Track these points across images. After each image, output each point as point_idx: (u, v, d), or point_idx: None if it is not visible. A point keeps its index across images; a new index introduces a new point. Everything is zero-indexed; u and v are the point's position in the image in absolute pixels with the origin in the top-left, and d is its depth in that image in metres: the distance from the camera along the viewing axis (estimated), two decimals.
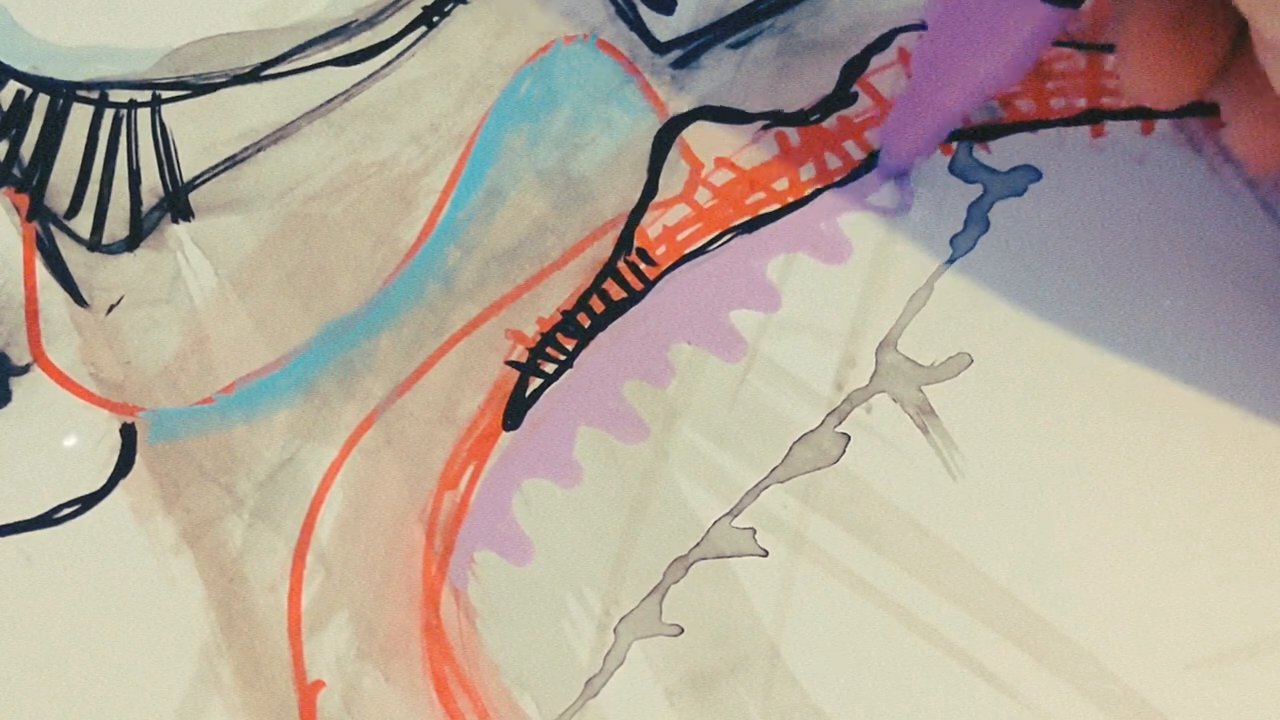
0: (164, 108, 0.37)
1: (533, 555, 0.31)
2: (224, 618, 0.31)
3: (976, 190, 0.33)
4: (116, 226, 0.36)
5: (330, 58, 0.37)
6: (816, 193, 0.33)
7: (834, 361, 0.32)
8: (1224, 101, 0.29)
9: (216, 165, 0.36)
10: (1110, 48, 0.33)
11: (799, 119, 0.34)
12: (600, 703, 0.30)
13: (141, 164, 0.36)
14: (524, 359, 0.33)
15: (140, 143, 0.36)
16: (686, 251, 0.33)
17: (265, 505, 0.32)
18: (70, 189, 0.36)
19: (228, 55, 0.37)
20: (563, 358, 0.33)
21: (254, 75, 0.37)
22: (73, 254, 0.35)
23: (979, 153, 0.33)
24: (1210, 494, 0.29)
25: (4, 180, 0.36)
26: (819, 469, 0.31)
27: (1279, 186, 0.31)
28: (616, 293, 0.33)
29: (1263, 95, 0.28)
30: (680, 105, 0.35)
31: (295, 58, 0.37)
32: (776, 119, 0.34)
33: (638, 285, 0.33)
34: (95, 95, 0.37)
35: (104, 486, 0.33)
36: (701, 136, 0.34)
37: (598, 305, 0.33)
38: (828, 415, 0.31)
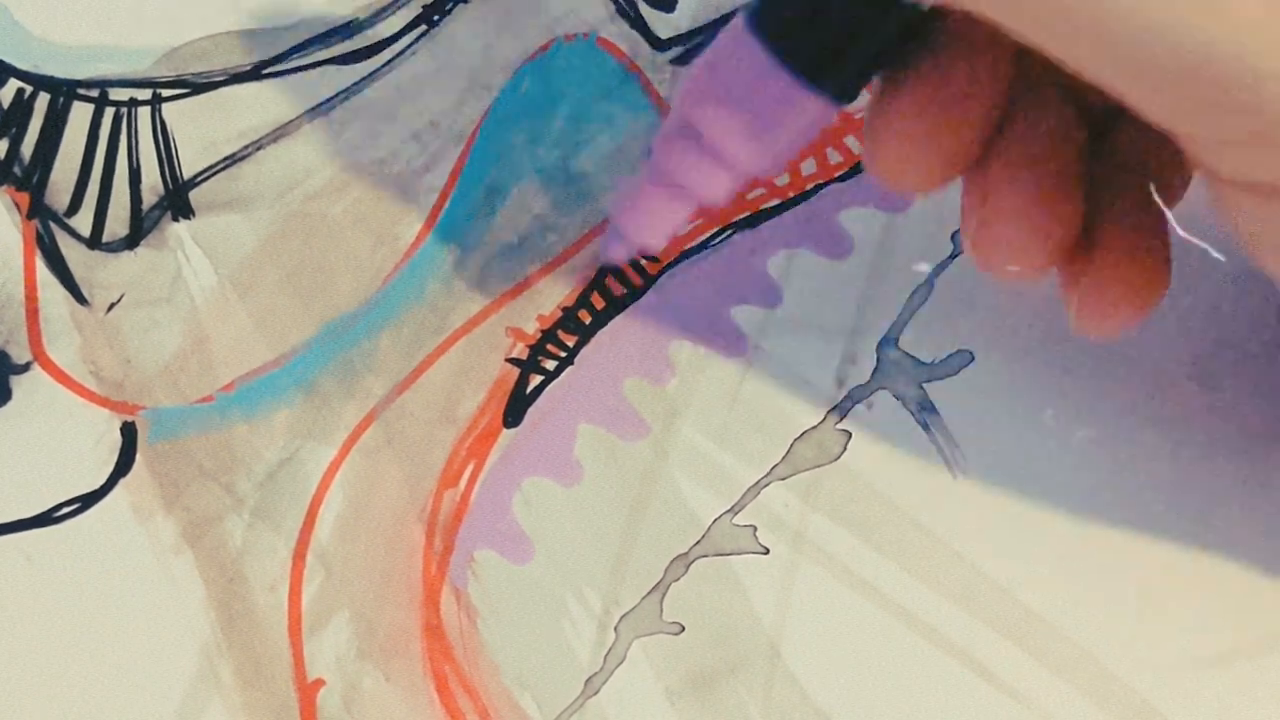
0: (164, 106, 0.37)
1: (533, 554, 0.31)
2: (224, 617, 0.31)
3: None
4: (117, 225, 0.36)
5: (330, 56, 0.37)
6: (818, 188, 0.33)
7: (835, 358, 0.32)
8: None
9: (216, 164, 0.36)
10: None
11: None
12: (601, 701, 0.30)
13: (142, 162, 0.36)
14: (525, 356, 0.33)
15: (140, 141, 0.36)
16: (688, 247, 0.33)
17: (265, 504, 0.32)
18: (70, 187, 0.36)
19: (228, 54, 0.37)
20: (564, 354, 0.33)
21: (254, 74, 0.37)
22: (73, 252, 0.35)
23: None
24: (1210, 493, 0.29)
25: (4, 178, 0.36)
26: (820, 466, 0.31)
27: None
28: (617, 289, 0.33)
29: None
30: None
31: (295, 56, 0.37)
32: None
33: (639, 281, 0.33)
34: (95, 93, 0.37)
35: (104, 485, 0.33)
36: None
37: (599, 301, 0.33)
38: (829, 412, 0.31)
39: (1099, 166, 0.27)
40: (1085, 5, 0.21)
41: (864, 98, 0.26)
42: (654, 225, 0.28)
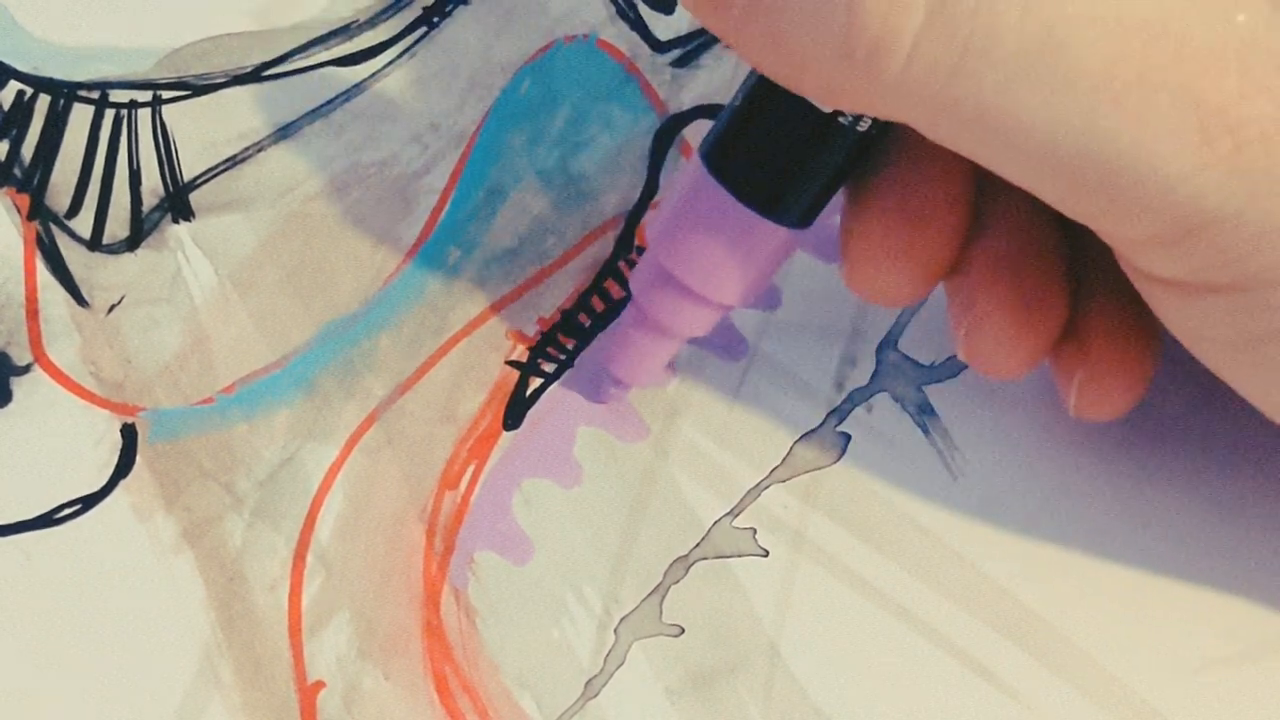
0: (164, 108, 0.37)
1: (533, 555, 0.31)
2: (224, 617, 0.31)
3: None
4: (117, 226, 0.36)
5: (331, 58, 0.37)
6: None
7: (834, 361, 0.32)
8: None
9: (217, 165, 0.36)
10: None
11: None
12: (600, 703, 0.30)
13: (142, 164, 0.36)
14: (524, 358, 0.33)
15: (141, 143, 0.36)
16: None
17: (265, 504, 0.32)
18: (71, 189, 0.36)
19: (228, 55, 0.37)
20: (563, 357, 0.33)
21: (254, 75, 0.37)
22: (73, 254, 0.35)
23: None
24: (1211, 493, 0.29)
25: (5, 180, 0.36)
26: (819, 468, 0.31)
27: None
28: (617, 292, 0.33)
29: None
30: (680, 104, 0.35)
31: (296, 58, 0.37)
32: None
33: None
34: (96, 95, 0.37)
35: (104, 486, 0.33)
36: (701, 135, 0.34)
37: (598, 304, 0.33)
38: (828, 415, 0.31)
39: (1078, 255, 0.27)
40: (993, 105, 0.21)
41: None
42: (643, 366, 0.30)
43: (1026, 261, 0.27)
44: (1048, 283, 0.27)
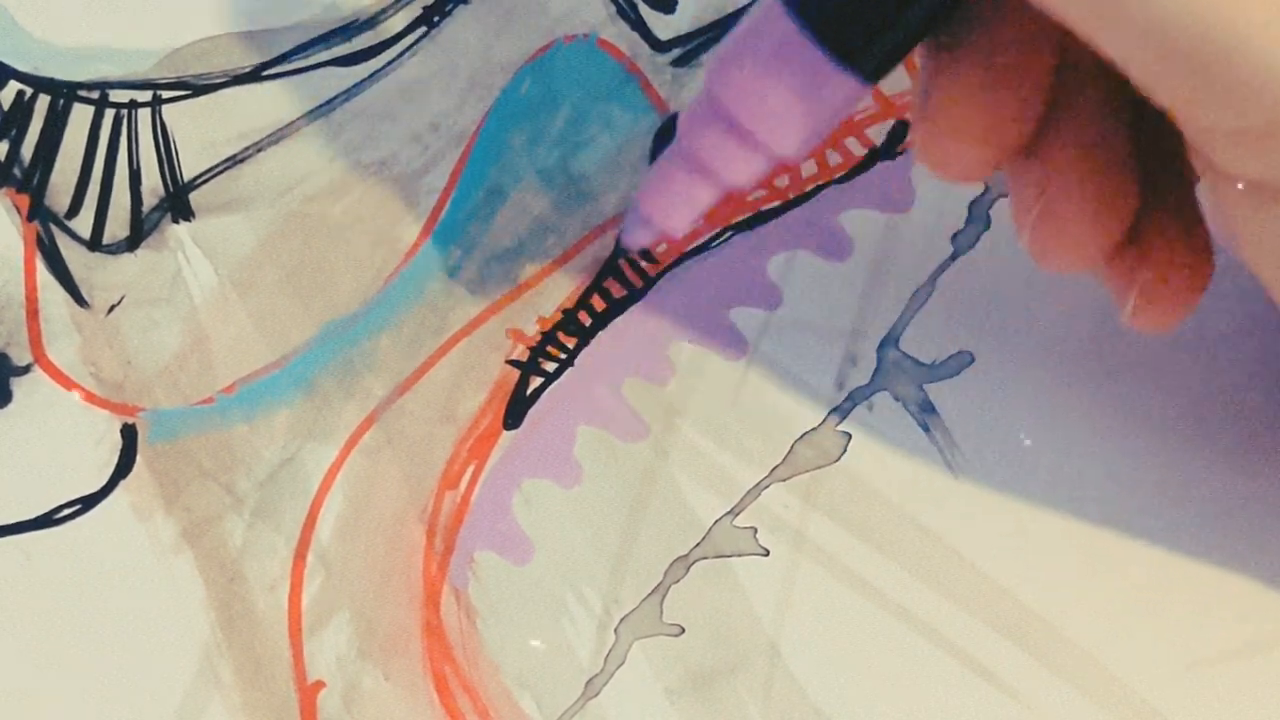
0: (164, 108, 0.37)
1: (533, 555, 0.31)
2: (224, 617, 0.31)
3: (978, 188, 0.33)
4: (117, 226, 0.36)
5: (330, 58, 0.37)
6: (818, 189, 0.33)
7: (835, 359, 0.32)
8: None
9: (217, 165, 0.36)
10: None
11: None
12: (601, 703, 0.30)
13: (142, 164, 0.36)
14: (525, 358, 0.33)
15: (141, 143, 0.36)
16: (688, 249, 0.33)
17: (266, 504, 0.32)
18: (71, 189, 0.36)
19: (228, 55, 0.37)
20: (563, 357, 0.33)
21: (254, 75, 0.37)
22: (73, 254, 0.35)
23: None
24: (1211, 492, 0.29)
25: (5, 180, 0.36)
26: (820, 468, 0.31)
27: None
28: (617, 291, 0.33)
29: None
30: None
31: (295, 58, 0.37)
32: None
33: (638, 283, 0.33)
34: (96, 95, 0.37)
35: (104, 486, 0.33)
36: None
37: (598, 303, 0.33)
38: (829, 414, 0.31)
39: (1143, 158, 0.27)
40: None
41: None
42: (679, 209, 0.27)
43: (1100, 153, 0.26)
44: (1120, 178, 0.26)
